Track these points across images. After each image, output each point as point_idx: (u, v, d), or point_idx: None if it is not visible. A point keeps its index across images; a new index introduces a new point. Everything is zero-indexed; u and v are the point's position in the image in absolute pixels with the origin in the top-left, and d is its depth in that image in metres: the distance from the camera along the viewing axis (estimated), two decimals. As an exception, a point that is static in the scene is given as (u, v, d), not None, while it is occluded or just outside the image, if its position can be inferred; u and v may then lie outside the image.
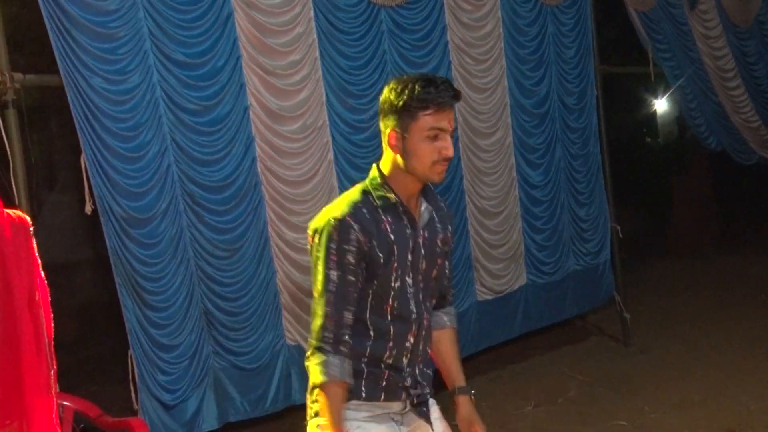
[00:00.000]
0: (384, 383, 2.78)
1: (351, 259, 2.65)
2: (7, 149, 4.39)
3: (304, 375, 5.56)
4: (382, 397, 2.79)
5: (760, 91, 9.56)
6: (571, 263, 7.63)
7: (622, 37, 9.34)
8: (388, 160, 2.76)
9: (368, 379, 2.77)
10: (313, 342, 2.67)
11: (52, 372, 3.15)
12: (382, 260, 2.69)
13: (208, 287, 5.16)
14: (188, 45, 5.04)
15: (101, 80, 4.65)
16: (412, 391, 2.83)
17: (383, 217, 2.71)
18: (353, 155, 5.86)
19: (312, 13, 5.65)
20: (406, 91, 2.65)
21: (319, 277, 2.67)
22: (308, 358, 2.67)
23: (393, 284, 2.73)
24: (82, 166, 4.66)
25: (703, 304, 8.97)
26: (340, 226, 2.64)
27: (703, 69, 8.93)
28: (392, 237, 2.71)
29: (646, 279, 10.23)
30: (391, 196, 2.73)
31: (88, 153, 4.62)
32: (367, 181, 2.79)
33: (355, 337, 2.71)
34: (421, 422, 2.89)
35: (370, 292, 2.72)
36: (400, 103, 2.65)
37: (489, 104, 6.89)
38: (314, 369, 2.65)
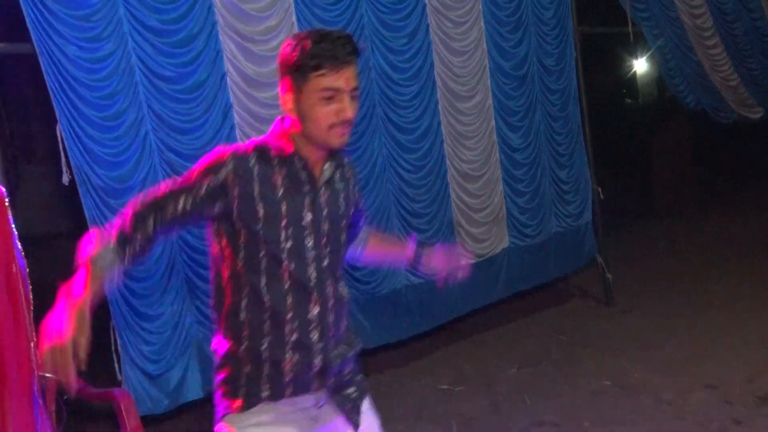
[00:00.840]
0: (289, 376, 2.49)
1: (204, 187, 2.41)
2: (-19, 120, 4.34)
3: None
4: (289, 392, 2.51)
5: (738, 49, 9.56)
6: (553, 225, 7.63)
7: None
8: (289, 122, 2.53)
9: (270, 374, 2.48)
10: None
11: (32, 344, 3.12)
12: (262, 213, 2.43)
13: (189, 256, 5.12)
14: (162, 11, 4.97)
15: (75, 48, 4.58)
16: (326, 378, 2.55)
17: (276, 170, 2.46)
18: (333, 121, 5.81)
19: (288, -23, 5.58)
20: (298, 48, 2.40)
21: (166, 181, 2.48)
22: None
23: (283, 244, 2.46)
24: (58, 136, 4.61)
25: (685, 264, 9.03)
26: (218, 155, 2.45)
27: (682, 28, 8.92)
28: (281, 192, 2.45)
29: (628, 240, 10.28)
30: (288, 147, 2.49)
31: (63, 122, 4.57)
32: (267, 135, 2.55)
33: (252, 312, 2.48)
34: (341, 419, 2.63)
35: (261, 253, 2.45)
36: (291, 61, 2.41)
37: (468, 67, 6.84)
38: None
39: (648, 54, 9.13)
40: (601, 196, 7.91)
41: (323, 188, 2.55)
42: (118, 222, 2.37)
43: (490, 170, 7.08)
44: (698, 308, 7.26)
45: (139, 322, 4.88)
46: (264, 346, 2.48)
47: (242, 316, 2.49)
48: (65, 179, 4.68)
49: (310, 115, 2.42)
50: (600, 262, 7.87)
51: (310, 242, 2.50)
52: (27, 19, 4.43)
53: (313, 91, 2.39)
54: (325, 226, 2.55)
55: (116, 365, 4.84)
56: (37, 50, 4.47)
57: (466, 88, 6.84)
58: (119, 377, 4.84)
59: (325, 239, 2.54)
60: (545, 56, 7.50)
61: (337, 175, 2.63)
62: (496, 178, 7.13)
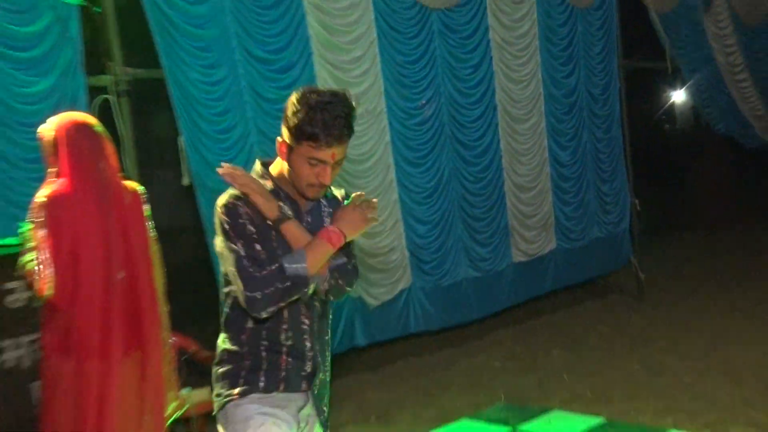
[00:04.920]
0: (284, 373, 2.42)
1: (251, 227, 2.35)
2: (121, 132, 4.58)
3: (366, 321, 5.74)
4: (282, 387, 2.41)
5: (766, 83, 9.39)
6: (595, 231, 7.65)
7: (644, 35, 9.21)
8: (279, 162, 2.46)
9: (268, 371, 2.41)
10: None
11: (165, 311, 3.33)
12: (258, 239, 2.35)
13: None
14: (267, 43, 5.19)
15: (196, 73, 4.82)
16: (313, 381, 2.48)
17: None
18: (407, 137, 5.93)
19: (372, 16, 5.75)
20: (299, 115, 2.29)
21: (228, 255, 2.35)
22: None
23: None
24: (180, 146, 4.85)
25: (713, 271, 8.87)
26: (227, 207, 2.38)
27: (715, 65, 8.82)
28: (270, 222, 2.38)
29: (663, 248, 10.13)
30: (269, 184, 2.44)
31: (185, 134, 4.80)
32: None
33: (254, 322, 2.40)
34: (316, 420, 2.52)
35: None
36: (291, 123, 2.32)
37: (525, 94, 6.92)
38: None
39: (685, 86, 9.03)
40: (638, 208, 7.92)
41: (307, 215, 2.48)
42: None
43: (542, 183, 7.14)
44: (720, 306, 7.16)
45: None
46: (262, 348, 2.42)
47: (245, 324, 2.42)
48: (185, 181, 4.92)
49: (295, 169, 2.37)
50: (634, 263, 7.85)
51: None
52: (159, 49, 4.67)
53: (303, 154, 2.33)
54: None
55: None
56: (166, 75, 4.71)
57: (522, 112, 6.91)
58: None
59: None
60: (592, 86, 7.53)
61: (323, 202, 2.53)
62: (546, 189, 7.18)
